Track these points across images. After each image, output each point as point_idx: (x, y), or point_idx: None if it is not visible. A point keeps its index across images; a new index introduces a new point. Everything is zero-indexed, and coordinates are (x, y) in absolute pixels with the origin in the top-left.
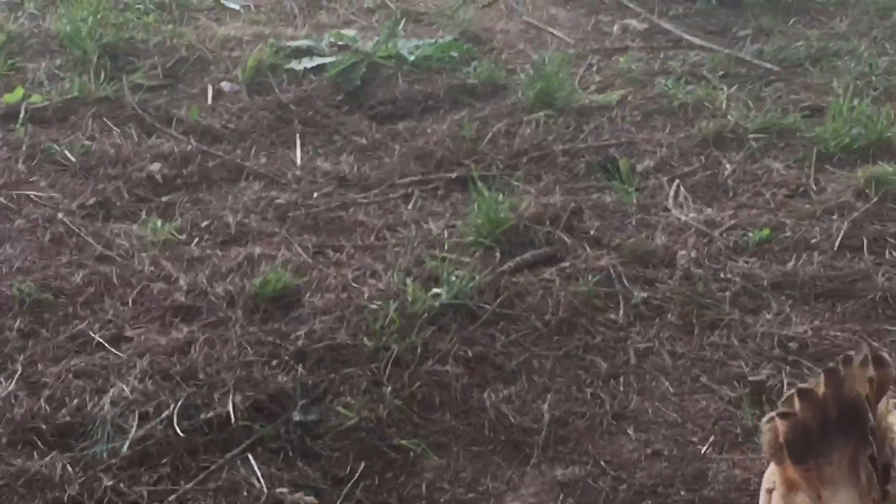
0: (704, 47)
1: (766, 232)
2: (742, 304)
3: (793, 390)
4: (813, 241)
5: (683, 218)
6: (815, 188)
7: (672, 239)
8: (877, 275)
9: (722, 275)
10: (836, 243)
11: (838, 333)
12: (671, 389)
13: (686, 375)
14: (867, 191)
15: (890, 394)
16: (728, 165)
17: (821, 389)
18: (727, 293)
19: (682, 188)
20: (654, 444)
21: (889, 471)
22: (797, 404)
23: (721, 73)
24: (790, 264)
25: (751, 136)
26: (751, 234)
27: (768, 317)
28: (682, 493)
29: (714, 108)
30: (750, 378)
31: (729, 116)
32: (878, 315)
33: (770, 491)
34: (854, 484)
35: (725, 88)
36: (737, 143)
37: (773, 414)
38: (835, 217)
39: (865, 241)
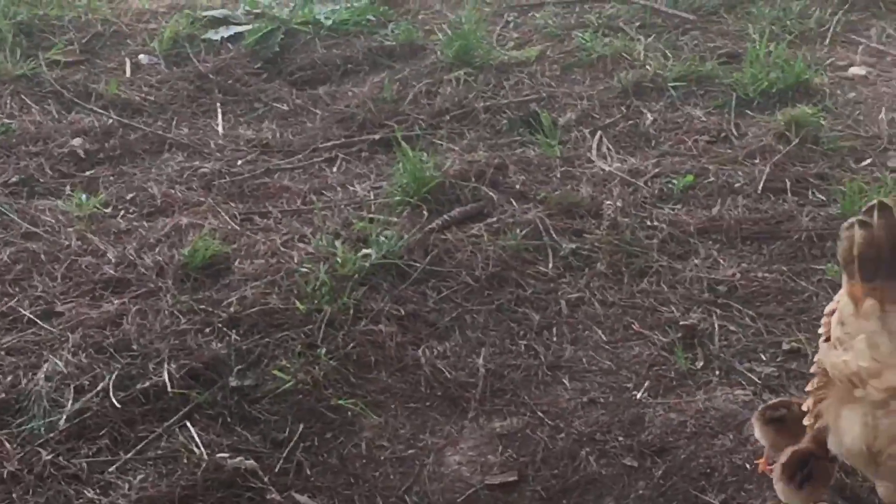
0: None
1: (689, 178)
2: (670, 251)
3: (875, 201)
4: (737, 185)
5: (608, 168)
6: (736, 133)
7: (597, 189)
8: (801, 215)
9: (648, 223)
10: (760, 186)
11: (766, 275)
12: (604, 338)
13: (618, 323)
14: (787, 133)
15: None
16: (649, 115)
17: None
18: (654, 240)
19: (604, 139)
20: (589, 392)
21: None
22: (875, 217)
23: (637, 24)
24: (715, 209)
25: (670, 84)
26: (675, 182)
27: (696, 262)
28: (620, 438)
29: (632, 59)
30: (681, 323)
31: (647, 66)
32: (805, 254)
33: (830, 313)
34: None
35: (643, 39)
36: (657, 93)
37: (852, 220)
38: (757, 161)
39: (788, 183)
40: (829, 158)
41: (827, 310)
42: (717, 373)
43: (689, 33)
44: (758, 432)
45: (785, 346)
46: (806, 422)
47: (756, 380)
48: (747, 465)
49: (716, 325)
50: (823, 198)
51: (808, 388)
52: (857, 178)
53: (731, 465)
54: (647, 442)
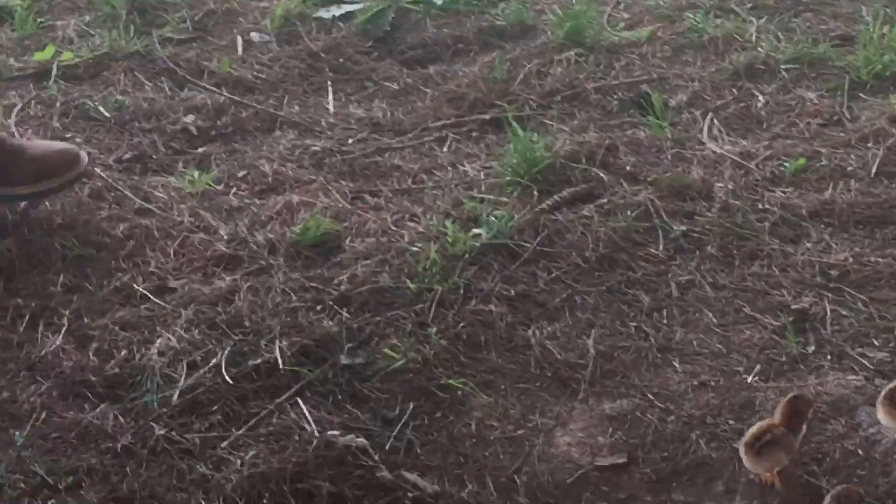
0: None
1: (801, 161)
2: (781, 234)
3: None
4: (849, 169)
5: (719, 150)
6: (848, 116)
7: (708, 172)
8: None
9: (760, 205)
10: (873, 170)
11: (879, 259)
12: (714, 321)
13: (729, 306)
14: None
15: None
16: (761, 97)
17: None
18: (766, 224)
19: (715, 121)
20: (700, 375)
21: None
22: None
23: (750, 5)
24: (827, 193)
25: (782, 66)
26: (787, 165)
27: (808, 245)
28: (731, 422)
29: (744, 40)
30: (793, 307)
31: (759, 48)
32: None
33: None
34: None
35: (755, 20)
36: (769, 75)
37: None
38: (870, 144)
39: None
40: None
41: None
42: (829, 357)
43: (802, 15)
44: (883, 416)
45: None
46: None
47: (868, 365)
48: (859, 451)
49: (828, 310)
50: None
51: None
52: None
53: (843, 451)
54: None
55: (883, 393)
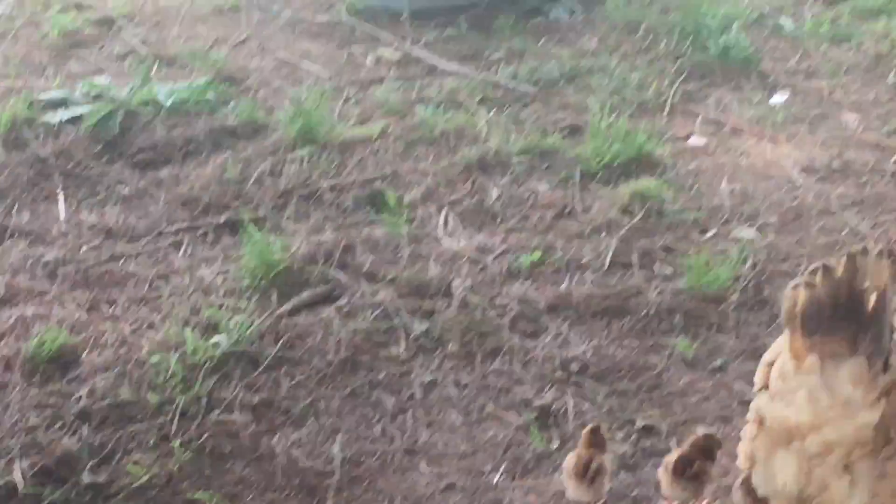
0: (459, 73)
1: (537, 254)
2: (521, 329)
3: (819, 263)
4: (584, 260)
5: (455, 246)
6: (581, 207)
7: (446, 268)
8: (649, 290)
9: (498, 300)
10: (607, 261)
11: (617, 351)
12: (459, 420)
13: (473, 405)
14: (632, 207)
15: None
16: (494, 190)
17: (839, 272)
18: (505, 318)
19: (450, 216)
20: (447, 476)
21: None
22: (818, 279)
23: (479, 97)
24: (564, 285)
25: (514, 159)
26: (522, 258)
27: (547, 339)
28: None
29: (475, 133)
30: (535, 402)
31: (490, 141)
32: (654, 329)
33: (770, 364)
34: (856, 358)
35: (484, 113)
36: (501, 168)
37: (797, 282)
38: (603, 235)
39: (635, 257)
40: (673, 231)
41: (764, 360)
42: None
43: (531, 106)
44: (665, 486)
45: (639, 424)
46: (741, 466)
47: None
48: None
49: (570, 404)
50: (670, 271)
51: (744, 435)
52: (702, 249)
53: None
54: None
55: (663, 463)
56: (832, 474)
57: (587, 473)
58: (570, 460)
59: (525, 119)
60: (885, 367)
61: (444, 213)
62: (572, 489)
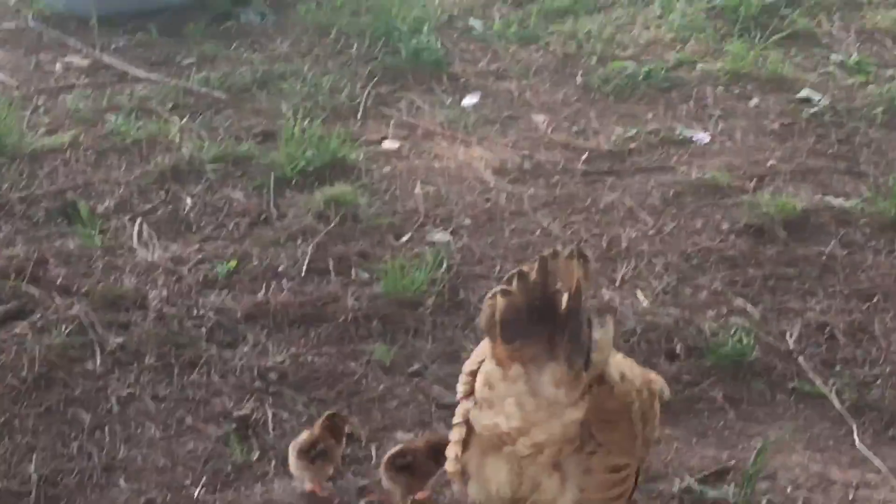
0: (150, 80)
1: (233, 263)
2: (218, 339)
3: (515, 270)
4: (280, 267)
5: (150, 257)
6: (276, 214)
7: (141, 280)
8: (346, 296)
9: (195, 311)
10: (304, 268)
11: (316, 358)
12: (158, 434)
13: (171, 418)
14: (327, 212)
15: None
16: (188, 199)
17: (533, 276)
18: (203, 329)
19: (145, 226)
20: (146, 492)
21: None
22: (515, 285)
23: (171, 104)
24: (261, 293)
25: (208, 166)
26: (219, 267)
27: (245, 349)
28: None
29: (168, 141)
30: (235, 413)
31: (184, 149)
32: (352, 335)
33: (472, 372)
34: (556, 360)
35: (177, 120)
36: (195, 176)
37: (495, 290)
38: (299, 241)
39: (331, 263)
40: (369, 236)
41: (465, 368)
42: (274, 463)
43: (223, 112)
44: (387, 482)
45: None
46: (450, 468)
47: None
48: None
49: (269, 414)
50: (367, 276)
51: (452, 438)
52: (397, 254)
53: None
54: None
55: (385, 458)
56: (543, 473)
57: (310, 453)
58: (301, 436)
59: (218, 126)
60: (587, 364)
61: (138, 223)
62: (293, 465)
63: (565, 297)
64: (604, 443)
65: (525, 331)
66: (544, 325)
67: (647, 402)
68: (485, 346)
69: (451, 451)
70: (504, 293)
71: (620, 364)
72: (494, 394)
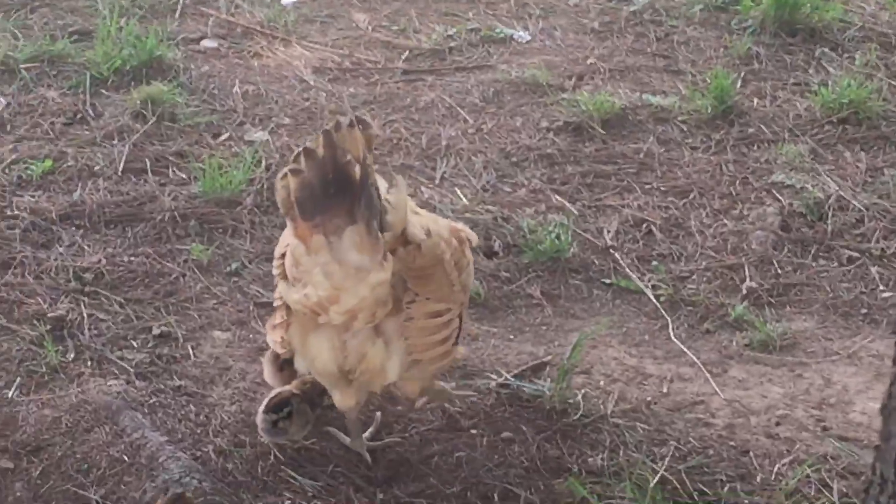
0: None
1: (48, 163)
2: (33, 240)
3: (300, 149)
4: (97, 167)
5: None
6: (92, 114)
7: None
8: (163, 195)
9: (9, 211)
10: (120, 168)
11: (132, 259)
12: None
13: None
14: (144, 112)
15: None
16: (2, 99)
17: (320, 151)
18: (16, 230)
19: None
20: None
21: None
22: (303, 163)
23: None
24: (76, 194)
25: (22, 66)
26: (33, 167)
27: (60, 250)
28: None
29: None
30: (49, 314)
31: None
32: (169, 235)
33: (281, 256)
34: (355, 226)
35: None
36: (8, 76)
37: (285, 170)
38: (115, 141)
39: (148, 163)
40: (187, 135)
41: (276, 252)
42: (90, 364)
43: (38, 11)
44: (269, 376)
45: (155, 331)
46: (279, 351)
47: (128, 367)
48: (125, 458)
49: (84, 315)
50: (184, 176)
51: (274, 322)
52: (215, 153)
53: (109, 459)
54: (22, 441)
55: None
56: (366, 342)
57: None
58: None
59: (33, 24)
60: (382, 226)
61: None
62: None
63: (357, 168)
64: (421, 292)
65: (323, 205)
66: (342, 197)
67: (458, 250)
68: (288, 228)
69: (276, 334)
70: (294, 172)
71: (424, 221)
72: (302, 269)
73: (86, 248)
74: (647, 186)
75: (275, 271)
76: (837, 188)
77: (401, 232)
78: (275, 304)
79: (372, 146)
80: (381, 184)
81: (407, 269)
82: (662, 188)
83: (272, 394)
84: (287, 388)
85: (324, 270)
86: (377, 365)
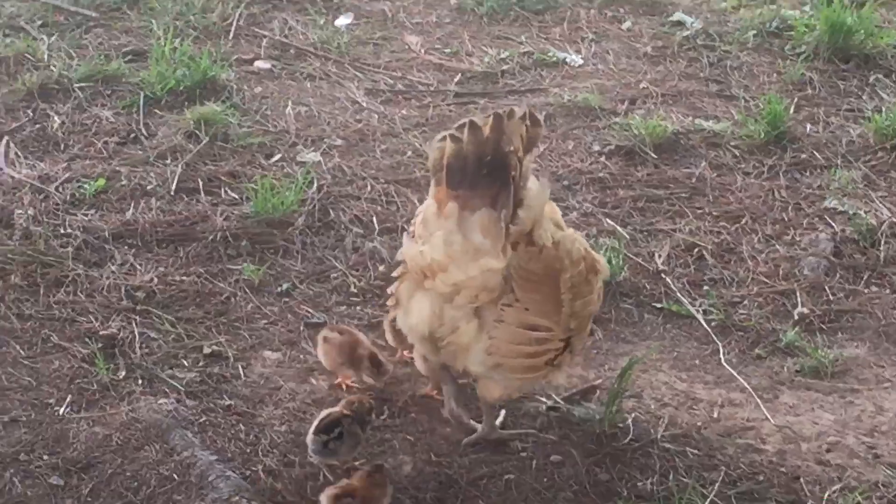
0: None
1: (101, 182)
2: (85, 258)
3: (466, 120)
4: (149, 187)
5: (17, 176)
6: (146, 133)
7: (7, 198)
8: (215, 215)
9: (62, 230)
10: (173, 187)
11: (184, 278)
12: (23, 353)
13: (37, 337)
14: (197, 132)
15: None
16: (56, 118)
17: (486, 131)
18: (69, 248)
19: (12, 145)
20: (10, 411)
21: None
22: (465, 135)
23: (40, 22)
24: (129, 213)
25: (76, 85)
26: (87, 186)
27: (113, 268)
28: (45, 457)
29: (36, 59)
30: (101, 332)
31: (52, 67)
32: (221, 255)
33: (420, 214)
34: (490, 209)
35: (46, 38)
36: (63, 94)
37: (444, 133)
38: (168, 161)
39: (201, 183)
40: (239, 155)
41: (417, 212)
42: (140, 382)
43: (93, 31)
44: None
45: (206, 350)
46: (389, 304)
47: (179, 386)
48: (175, 476)
49: (136, 333)
50: (236, 196)
51: (394, 274)
52: (268, 174)
53: (159, 477)
54: (72, 459)
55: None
56: (462, 317)
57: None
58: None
59: (87, 44)
60: (513, 219)
61: (4, 141)
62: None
63: (515, 160)
64: (522, 300)
65: (471, 181)
66: (491, 181)
67: (581, 274)
68: (432, 188)
69: (394, 285)
70: (453, 139)
71: (564, 236)
72: (428, 229)
73: (138, 266)
74: (699, 211)
75: (410, 228)
76: (890, 215)
77: (529, 230)
78: (397, 258)
79: (535, 144)
80: (532, 183)
81: (518, 269)
82: (714, 213)
83: (322, 414)
84: (337, 408)
85: (445, 237)
86: (464, 342)
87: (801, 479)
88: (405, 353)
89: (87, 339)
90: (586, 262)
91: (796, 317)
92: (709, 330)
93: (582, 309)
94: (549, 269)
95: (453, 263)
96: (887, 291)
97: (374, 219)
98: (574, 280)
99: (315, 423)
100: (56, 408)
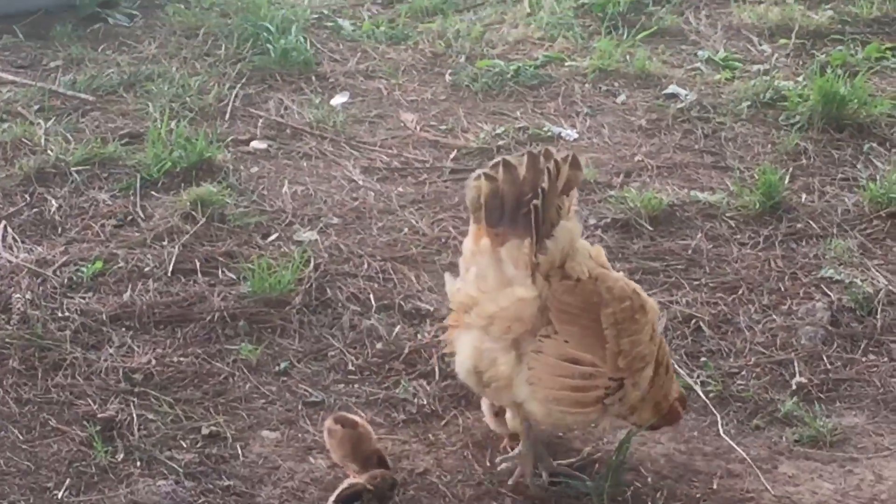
0: (16, 82)
1: (98, 265)
2: (83, 341)
3: (500, 159)
4: (147, 269)
5: (14, 260)
6: (142, 215)
7: (5, 282)
8: (212, 295)
9: (60, 313)
10: (170, 269)
11: (182, 359)
12: (21, 437)
13: (35, 421)
14: (194, 213)
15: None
16: (54, 201)
17: (522, 171)
18: (67, 331)
19: (9, 229)
20: (8, 496)
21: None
22: (501, 173)
23: (37, 107)
24: (126, 295)
25: (73, 169)
26: (84, 269)
27: (111, 351)
28: None
29: (33, 143)
30: (99, 415)
31: (49, 151)
32: (218, 335)
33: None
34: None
35: (43, 123)
36: (60, 178)
37: (480, 172)
38: (165, 243)
39: (198, 264)
40: (236, 236)
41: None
42: (139, 464)
43: (90, 114)
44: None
45: (204, 431)
46: (446, 352)
47: (177, 467)
48: None
49: (134, 415)
50: (233, 276)
51: (445, 322)
52: (264, 253)
53: None
54: None
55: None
56: (500, 349)
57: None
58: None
59: (84, 127)
60: (540, 248)
61: (1, 226)
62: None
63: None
64: (560, 331)
65: (511, 219)
66: (528, 218)
67: (626, 311)
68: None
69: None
70: (488, 178)
71: (606, 273)
72: (465, 265)
73: (136, 348)
74: (696, 282)
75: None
76: (887, 283)
77: (559, 263)
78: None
79: (574, 186)
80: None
81: (554, 300)
82: (711, 284)
83: (344, 485)
84: (359, 480)
85: (479, 271)
86: (504, 373)
87: None
88: (510, 442)
89: (85, 422)
90: (633, 301)
91: (794, 386)
92: (707, 401)
93: (630, 348)
94: (586, 303)
95: (485, 296)
96: (885, 359)
97: (371, 296)
98: (618, 316)
99: (337, 491)
100: (55, 492)
